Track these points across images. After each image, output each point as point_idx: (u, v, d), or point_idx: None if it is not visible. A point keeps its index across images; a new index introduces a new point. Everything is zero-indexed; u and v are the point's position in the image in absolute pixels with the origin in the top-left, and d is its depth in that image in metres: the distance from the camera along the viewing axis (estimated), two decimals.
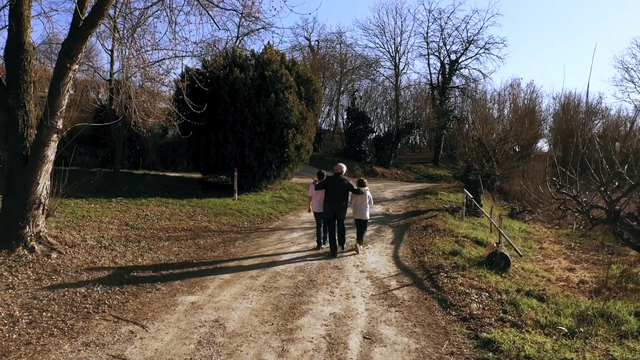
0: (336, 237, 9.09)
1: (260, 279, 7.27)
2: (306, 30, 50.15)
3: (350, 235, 10.13)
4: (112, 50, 14.04)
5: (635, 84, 45.55)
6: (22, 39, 7.76)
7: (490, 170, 14.54)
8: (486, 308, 6.13)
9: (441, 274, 7.63)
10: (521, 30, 78.06)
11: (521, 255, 8.06)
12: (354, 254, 9.17)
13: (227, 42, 30.22)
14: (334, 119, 48.42)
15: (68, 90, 7.71)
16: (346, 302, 6.32)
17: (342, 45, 43.54)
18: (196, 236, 9.95)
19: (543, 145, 54.57)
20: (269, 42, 17.17)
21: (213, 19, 7.30)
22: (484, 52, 37.70)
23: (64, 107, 7.72)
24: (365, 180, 10.00)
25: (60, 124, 7.66)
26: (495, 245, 8.72)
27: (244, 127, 14.81)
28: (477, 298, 6.51)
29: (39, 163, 7.51)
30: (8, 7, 7.83)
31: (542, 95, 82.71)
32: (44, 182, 7.65)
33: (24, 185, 7.48)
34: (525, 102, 48.85)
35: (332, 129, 46.91)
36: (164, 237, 9.55)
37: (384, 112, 45.55)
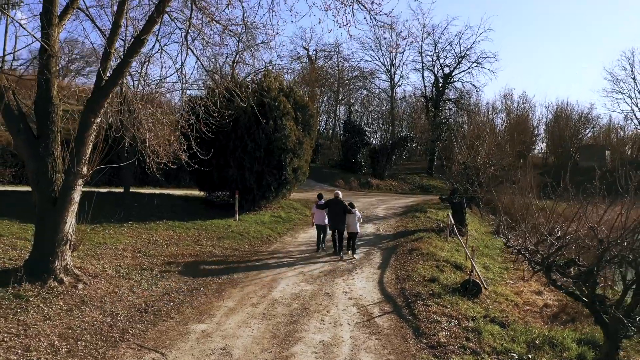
0: (336, 244, 12.56)
1: (260, 307, 8.34)
2: (304, 40, 51.34)
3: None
4: (121, 83, 15.04)
5: (624, 95, 46.90)
6: (50, 93, 8.84)
7: (474, 194, 15.65)
8: (452, 336, 7.20)
9: (418, 301, 8.71)
10: (516, 34, 79.46)
11: (486, 288, 9.15)
12: (343, 279, 10.27)
13: (226, 57, 31.42)
14: (331, 125, 49.62)
15: (92, 140, 8.79)
16: (334, 330, 7.39)
17: (339, 55, 44.79)
18: (202, 262, 11.02)
19: (539, 149, 55.91)
20: (267, 68, 18.16)
21: (218, 86, 8.40)
22: (476, 66, 38.93)
23: (88, 155, 8.79)
24: (354, 203, 13.11)
25: (85, 169, 8.74)
26: (469, 273, 9.81)
27: (244, 153, 15.90)
28: (446, 326, 7.59)
29: (66, 205, 8.59)
30: (38, 67, 8.95)
31: (535, 105, 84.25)
32: (70, 221, 8.72)
33: (53, 225, 8.55)
34: (519, 111, 50.15)
35: (330, 134, 48.02)
36: (174, 263, 10.62)
37: (380, 123, 46.73)
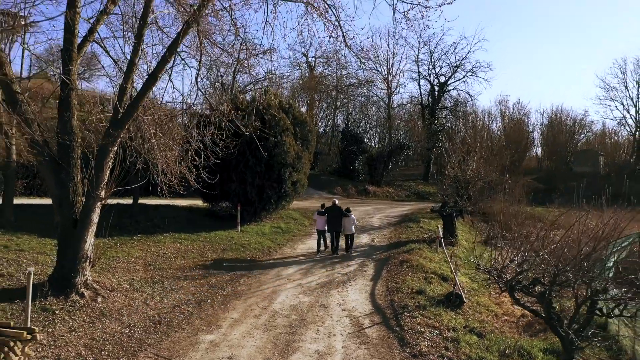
0: (333, 244, 14.93)
1: (262, 318, 9.22)
2: (304, 47, 52.20)
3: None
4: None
5: (615, 102, 47.96)
6: (70, 123, 9.74)
7: (463, 207, 16.55)
8: (433, 345, 8.10)
9: (405, 313, 9.60)
10: (515, 35, 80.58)
11: (464, 302, 10.04)
12: (338, 291, 11.15)
13: (227, 66, 32.30)
14: (330, 132, 50.47)
15: (109, 167, 9.69)
16: (328, 340, 8.28)
17: (337, 62, 45.67)
18: (208, 274, 11.91)
19: (534, 154, 56.88)
20: (268, 86, 19.15)
21: (224, 120, 9.33)
22: (471, 75, 39.92)
23: (106, 180, 9.69)
24: (351, 208, 15.55)
25: (103, 193, 9.64)
26: (453, 285, 10.72)
27: (245, 168, 16.82)
28: (429, 336, 8.49)
29: (86, 226, 9.48)
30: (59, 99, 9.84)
31: (530, 110, 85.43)
32: (90, 240, 9.62)
33: (74, 244, 9.44)
34: (514, 117, 51.14)
35: (329, 141, 48.87)
36: (182, 276, 11.51)
37: (378, 130, 47.67)
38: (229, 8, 8.69)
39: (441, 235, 14.44)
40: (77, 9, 9.65)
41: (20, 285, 9.65)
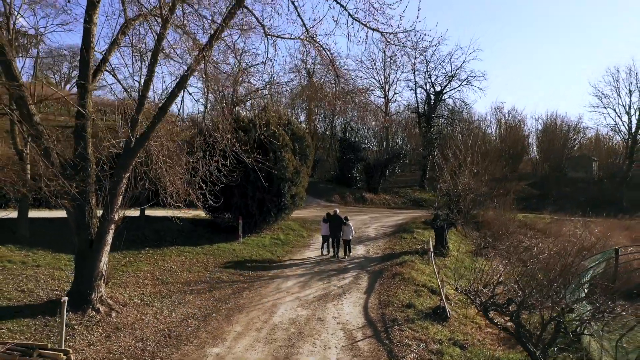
0: (334, 247, 17.11)
1: (263, 332, 10.03)
2: (303, 54, 52.96)
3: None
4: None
5: (608, 109, 48.96)
6: (86, 150, 10.54)
7: (454, 219, 17.40)
8: (419, 358, 8.92)
9: (395, 327, 10.42)
10: (515, 35, 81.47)
11: (449, 317, 10.86)
12: (334, 304, 11.97)
13: (228, 75, 33.12)
14: (328, 140, 51.25)
15: (122, 192, 10.50)
16: (323, 353, 9.09)
17: (335, 71, 46.42)
18: (212, 288, 12.72)
19: (530, 158, 57.78)
20: (267, 102, 19.99)
21: (229, 149, 10.17)
22: (466, 84, 40.82)
23: (119, 204, 10.50)
24: (349, 217, 17.67)
25: (116, 216, 10.45)
26: (440, 299, 11.54)
27: (247, 182, 17.61)
28: (415, 349, 9.31)
29: (101, 247, 10.30)
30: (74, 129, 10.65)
31: (526, 116, 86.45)
32: (104, 260, 10.44)
33: (90, 263, 10.25)
34: (509, 122, 52.05)
35: (328, 147, 49.69)
36: (188, 290, 12.31)
37: (375, 135, 48.49)
38: (233, 48, 9.48)
39: (432, 248, 15.24)
40: (92, 44, 10.47)
41: (41, 301, 10.48)
